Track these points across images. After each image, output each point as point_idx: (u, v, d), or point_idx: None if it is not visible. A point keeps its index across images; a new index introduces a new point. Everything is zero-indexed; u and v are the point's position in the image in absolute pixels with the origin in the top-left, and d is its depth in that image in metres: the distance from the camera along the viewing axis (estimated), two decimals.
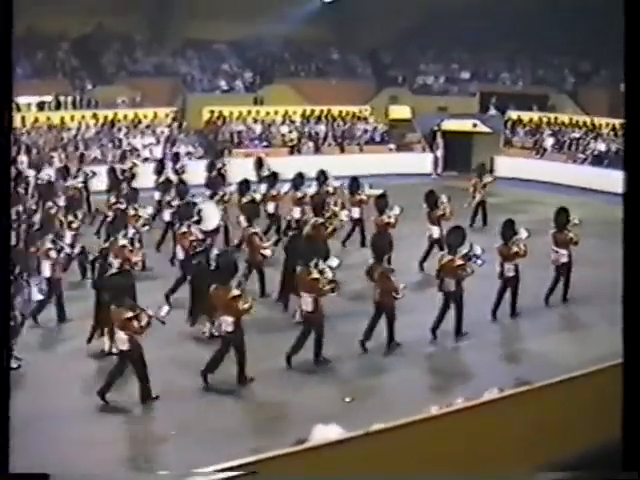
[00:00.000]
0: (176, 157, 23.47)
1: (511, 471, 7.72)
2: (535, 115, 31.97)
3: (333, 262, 12.26)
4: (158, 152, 27.21)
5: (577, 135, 30.02)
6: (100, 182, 21.07)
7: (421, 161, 30.43)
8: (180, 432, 10.12)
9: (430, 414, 7.94)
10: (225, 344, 11.36)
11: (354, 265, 14.32)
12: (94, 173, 21.30)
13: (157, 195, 19.63)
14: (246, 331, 11.54)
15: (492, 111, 32.51)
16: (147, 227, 16.65)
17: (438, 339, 13.20)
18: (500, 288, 14.16)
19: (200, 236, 14.87)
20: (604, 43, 27.96)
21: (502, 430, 7.91)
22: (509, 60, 35.10)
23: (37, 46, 29.60)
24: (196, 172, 21.72)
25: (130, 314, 10.55)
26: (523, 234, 14.25)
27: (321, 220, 16.09)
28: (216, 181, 19.65)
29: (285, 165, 21.16)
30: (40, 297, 14.76)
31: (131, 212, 16.72)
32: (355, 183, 18.97)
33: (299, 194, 18.68)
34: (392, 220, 16.57)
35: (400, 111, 32.92)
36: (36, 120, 27.45)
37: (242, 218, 16.38)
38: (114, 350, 12.32)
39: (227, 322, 11.20)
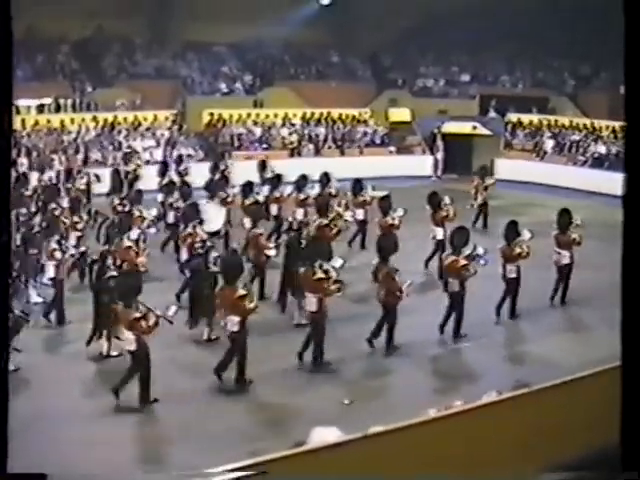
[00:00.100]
0: (179, 159, 23.45)
1: (511, 473, 7.72)
2: (535, 118, 31.97)
3: (337, 262, 12.31)
4: (158, 155, 27.22)
5: (577, 137, 30.01)
6: (99, 185, 21.11)
7: (421, 164, 30.41)
8: (180, 434, 10.12)
9: (429, 417, 7.94)
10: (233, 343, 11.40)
11: (355, 267, 14.34)
12: (97, 177, 21.32)
13: (160, 197, 19.67)
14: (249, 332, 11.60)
15: (492, 114, 32.51)
16: (152, 229, 16.69)
17: (441, 340, 13.25)
18: (505, 289, 14.24)
19: (205, 237, 14.97)
20: (604, 45, 27.97)
21: (501, 432, 7.91)
22: (509, 63, 35.11)
23: (37, 49, 29.62)
24: (196, 175, 21.70)
25: (138, 314, 10.59)
26: (526, 235, 14.33)
27: (325, 221, 16.20)
28: (219, 183, 19.67)
29: (285, 168, 21.16)
30: (39, 299, 14.80)
31: (136, 214, 16.75)
32: (358, 185, 19.03)
33: (302, 196, 18.73)
34: (396, 221, 16.63)
35: (400, 114, 32.92)
36: (36, 123, 27.46)
37: (246, 220, 16.46)
38: (112, 352, 12.41)
39: (233, 322, 11.23)
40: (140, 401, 10.77)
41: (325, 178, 19.34)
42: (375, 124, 31.95)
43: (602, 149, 28.72)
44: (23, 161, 24.17)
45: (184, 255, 15.25)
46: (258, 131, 30.29)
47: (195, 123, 30.32)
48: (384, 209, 16.97)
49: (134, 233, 14.87)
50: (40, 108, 28.45)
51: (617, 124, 28.31)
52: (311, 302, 12.03)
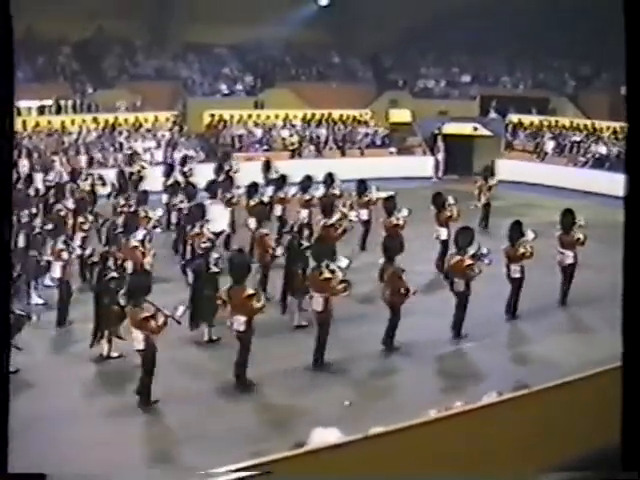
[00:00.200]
0: (184, 160, 23.42)
1: (512, 473, 7.72)
2: (536, 118, 32.01)
3: (343, 263, 12.36)
4: (159, 156, 27.24)
5: (578, 138, 30.03)
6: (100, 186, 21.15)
7: (422, 165, 30.41)
8: (181, 435, 10.13)
9: (429, 417, 7.93)
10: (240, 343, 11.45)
11: (356, 267, 14.33)
12: (102, 178, 21.35)
13: (165, 198, 19.70)
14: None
15: (493, 114, 32.53)
16: (158, 229, 16.75)
17: (446, 340, 13.30)
18: (511, 289, 14.34)
19: (212, 237, 15.10)
20: (604, 46, 27.98)
21: (502, 433, 7.91)
22: (509, 63, 35.14)
23: (37, 50, 29.63)
24: (197, 176, 21.70)
25: (147, 313, 10.63)
26: (530, 235, 14.40)
27: (331, 221, 16.32)
28: (224, 184, 19.74)
29: (286, 169, 21.16)
30: (40, 301, 14.82)
31: (141, 214, 16.79)
32: (362, 185, 19.08)
33: (307, 196, 18.79)
34: (401, 222, 16.68)
35: (401, 115, 32.92)
36: (37, 124, 27.48)
37: (251, 220, 16.65)
38: (113, 354, 12.42)
39: (239, 321, 11.28)
40: (140, 401, 10.78)
41: (329, 179, 19.39)
42: (376, 125, 31.96)
43: (603, 150, 28.73)
44: (24, 162, 24.19)
45: (189, 256, 15.36)
46: (259, 132, 30.30)
47: (196, 124, 30.35)
48: (389, 209, 17.02)
49: (140, 233, 14.89)
50: (41, 109, 28.49)
51: (618, 125, 28.36)
52: (317, 302, 12.11)
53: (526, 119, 32.03)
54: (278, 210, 18.86)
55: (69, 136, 27.45)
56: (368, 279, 14.16)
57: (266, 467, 6.56)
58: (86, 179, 21.01)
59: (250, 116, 31.05)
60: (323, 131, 31.03)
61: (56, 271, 14.16)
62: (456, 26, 30.97)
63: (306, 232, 15.86)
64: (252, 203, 17.66)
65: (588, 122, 30.77)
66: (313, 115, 31.70)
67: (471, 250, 13.38)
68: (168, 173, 21.04)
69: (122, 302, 12.30)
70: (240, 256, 12.31)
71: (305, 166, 23.52)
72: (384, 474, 7.28)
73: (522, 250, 14.20)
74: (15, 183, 18.71)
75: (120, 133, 28.30)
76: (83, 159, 25.95)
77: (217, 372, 11.95)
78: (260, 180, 19.89)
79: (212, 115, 30.41)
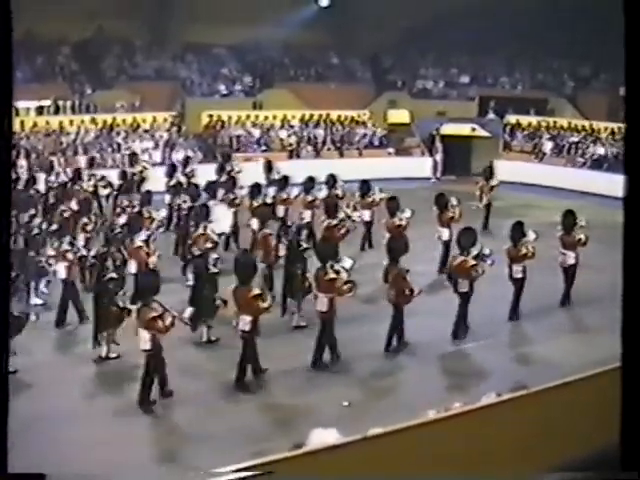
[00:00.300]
0: (186, 161, 23.40)
1: (512, 473, 7.72)
2: (534, 119, 32.00)
3: (347, 263, 12.41)
4: (157, 156, 27.22)
5: (576, 139, 30.03)
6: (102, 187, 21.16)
7: (420, 165, 30.38)
8: (180, 435, 10.13)
9: (428, 418, 7.94)
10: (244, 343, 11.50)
11: (357, 268, 14.36)
12: (105, 179, 21.37)
13: (168, 198, 19.71)
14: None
15: (491, 115, 32.51)
16: (162, 229, 16.78)
17: (445, 341, 13.32)
18: (514, 289, 14.39)
19: (216, 238, 15.20)
20: (603, 47, 27.97)
21: (502, 433, 7.92)
22: (508, 64, 35.13)
23: (36, 50, 29.62)
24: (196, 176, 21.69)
25: (155, 313, 10.67)
26: (531, 236, 14.44)
27: (334, 222, 16.43)
28: (226, 184, 19.79)
29: (284, 169, 21.15)
30: (39, 301, 14.82)
31: (145, 214, 16.82)
32: (365, 186, 19.08)
33: (310, 197, 18.83)
34: (403, 223, 16.69)
35: (399, 115, 32.90)
36: (35, 124, 27.44)
37: (253, 221, 16.76)
38: (111, 355, 12.42)
39: (245, 321, 11.32)
40: (139, 401, 10.78)
41: (332, 180, 19.41)
42: (374, 126, 31.93)
43: (601, 151, 28.74)
44: (22, 163, 24.16)
45: (189, 256, 15.40)
46: (257, 133, 30.27)
47: (194, 125, 30.31)
48: (392, 210, 17.02)
49: (144, 234, 14.89)
50: (39, 110, 28.43)
51: (616, 126, 28.37)
52: (322, 302, 12.16)
53: (524, 120, 32.01)
54: (281, 211, 18.86)
55: (67, 136, 27.41)
56: (370, 280, 14.18)
57: (267, 467, 6.57)
58: (89, 179, 21.03)
59: (248, 117, 31.02)
60: (321, 132, 30.99)
61: (61, 272, 14.17)
62: (455, 26, 30.96)
63: (304, 233, 15.83)
64: (255, 204, 17.79)
65: (586, 123, 30.77)
66: (311, 116, 31.67)
67: (474, 251, 13.42)
68: (171, 174, 21.03)
69: (121, 303, 12.37)
70: (246, 256, 12.37)
71: (303, 167, 23.52)
72: (384, 474, 7.29)
73: (524, 250, 14.25)
74: (13, 183, 18.71)
75: (118, 133, 28.27)
76: (82, 159, 25.88)
77: (216, 372, 11.97)
78: (260, 181, 19.86)
79: (210, 116, 30.38)
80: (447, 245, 16.80)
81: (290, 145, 29.95)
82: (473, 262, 13.28)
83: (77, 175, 21.20)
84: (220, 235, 16.63)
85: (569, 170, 28.73)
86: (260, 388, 11.52)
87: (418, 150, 31.33)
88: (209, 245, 14.73)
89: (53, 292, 14.97)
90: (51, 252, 14.98)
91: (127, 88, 30.84)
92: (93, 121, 28.55)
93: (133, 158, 24.07)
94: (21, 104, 27.36)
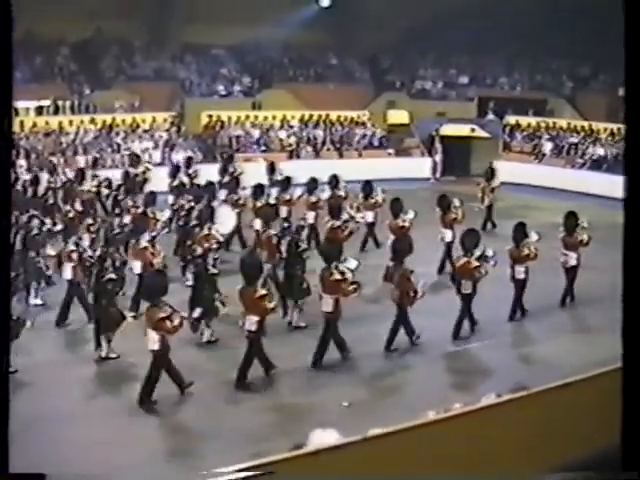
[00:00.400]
0: (188, 161, 23.39)
1: (512, 473, 7.72)
2: (533, 120, 32.00)
3: (352, 264, 12.48)
4: (157, 157, 27.21)
5: (575, 140, 30.05)
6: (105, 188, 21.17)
7: (419, 166, 30.41)
8: (180, 435, 10.13)
9: (428, 419, 7.94)
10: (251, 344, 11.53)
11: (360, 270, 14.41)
12: (108, 180, 21.39)
13: (171, 199, 19.72)
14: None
15: (490, 116, 32.53)
16: (166, 230, 16.81)
17: (447, 341, 13.36)
18: (515, 290, 14.44)
19: (221, 239, 15.25)
20: (602, 47, 27.99)
21: (502, 433, 7.92)
22: (507, 65, 35.14)
23: (36, 50, 29.61)
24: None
25: (164, 314, 10.68)
26: (533, 237, 14.50)
27: (338, 223, 16.51)
28: (229, 185, 19.81)
29: (284, 170, 21.17)
30: (39, 302, 14.82)
31: (149, 215, 16.86)
32: (368, 187, 19.09)
33: (313, 198, 18.86)
34: (407, 224, 16.70)
35: (398, 116, 32.91)
36: (34, 125, 27.44)
37: (256, 221, 16.88)
38: (111, 355, 12.42)
39: (252, 321, 11.36)
40: (140, 400, 10.78)
41: (334, 180, 19.44)
42: (373, 126, 31.94)
43: (600, 151, 28.75)
44: (22, 163, 24.15)
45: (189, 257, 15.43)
46: (256, 133, 30.28)
47: (193, 125, 30.31)
48: (395, 211, 17.03)
49: (148, 235, 14.92)
50: (39, 110, 28.43)
51: (615, 126, 28.37)
52: (327, 302, 12.21)
53: (524, 120, 32.03)
54: (284, 212, 18.85)
55: (66, 137, 27.41)
56: (371, 280, 14.21)
57: (268, 468, 6.57)
58: (92, 180, 21.05)
59: (248, 117, 31.02)
60: (321, 132, 31.01)
61: (67, 272, 14.17)
62: (455, 27, 30.97)
63: (303, 234, 15.83)
64: (258, 204, 17.89)
65: (585, 124, 30.79)
66: (311, 116, 31.67)
67: (477, 252, 13.48)
68: (174, 174, 21.04)
69: (118, 304, 12.40)
70: (252, 257, 12.40)
71: (303, 167, 23.53)
72: (385, 475, 7.29)
73: (526, 251, 14.30)
74: (12, 184, 18.72)
75: (117, 134, 28.26)
76: (81, 160, 25.90)
77: (217, 372, 11.97)
78: (261, 181, 19.85)
79: (210, 116, 30.38)
80: (449, 246, 16.87)
81: (290, 145, 29.95)
82: (477, 263, 13.36)
83: (81, 175, 21.22)
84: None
85: (568, 171, 28.75)
86: (262, 388, 11.51)
87: (417, 151, 31.37)
88: (214, 246, 14.77)
89: (52, 292, 14.99)
90: (51, 252, 15.01)
91: (126, 88, 30.84)
92: (92, 121, 28.55)
93: (135, 159, 24.09)
94: (20, 104, 27.35)
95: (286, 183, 19.45)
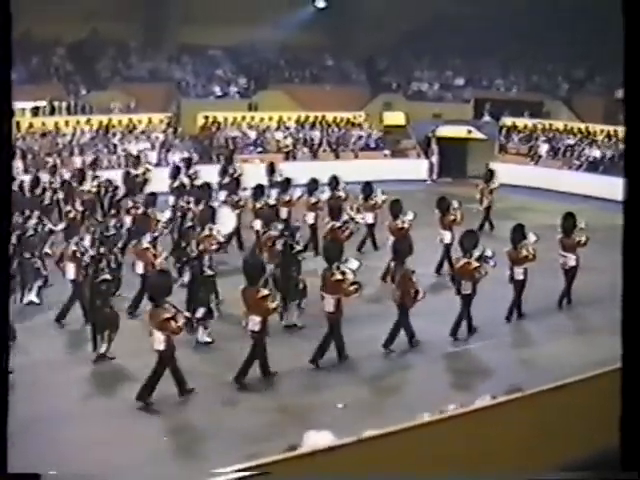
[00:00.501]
0: (188, 162, 23.36)
1: (512, 473, 7.73)
2: (530, 121, 32.01)
3: (353, 264, 12.54)
4: (153, 158, 27.18)
5: (572, 142, 30.05)
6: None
7: (416, 167, 30.41)
8: (177, 436, 10.12)
9: (429, 420, 7.95)
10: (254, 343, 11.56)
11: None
12: (109, 181, 21.39)
13: (172, 200, 19.71)
14: (242, 336, 11.64)
15: (486, 117, 32.54)
16: (166, 230, 16.84)
17: (446, 342, 13.40)
18: (514, 291, 14.49)
19: (222, 240, 15.26)
20: (599, 49, 28.04)
21: (502, 434, 7.93)
22: (503, 66, 35.18)
23: (32, 51, 29.57)
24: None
25: (168, 314, 10.72)
26: (532, 238, 14.54)
27: (338, 224, 16.60)
28: (229, 186, 19.81)
29: (283, 171, 21.20)
30: (37, 300, 14.84)
31: (151, 216, 16.84)
32: (368, 188, 19.10)
33: (313, 199, 18.89)
34: (406, 225, 16.74)
35: (394, 117, 32.92)
36: (31, 125, 27.41)
37: (256, 222, 16.98)
38: (108, 355, 12.42)
39: (255, 322, 11.40)
40: (138, 398, 10.79)
41: (334, 181, 19.46)
42: (370, 128, 31.94)
43: (596, 153, 28.76)
44: (18, 164, 24.12)
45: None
46: (253, 134, 30.26)
47: (190, 126, 30.29)
48: (395, 213, 17.05)
49: (150, 235, 14.93)
50: (35, 111, 28.40)
51: (612, 128, 28.40)
52: (329, 303, 12.27)
53: (520, 122, 32.06)
54: (284, 213, 18.87)
55: (63, 137, 27.39)
56: (369, 281, 14.24)
57: (264, 468, 6.57)
58: (93, 180, 21.04)
59: (244, 118, 31.00)
60: (317, 133, 30.99)
61: (70, 272, 14.18)
62: (450, 28, 31.01)
63: (299, 235, 15.82)
64: (258, 205, 17.97)
65: (582, 125, 30.80)
66: (307, 117, 31.66)
67: (476, 252, 13.53)
68: (174, 175, 21.04)
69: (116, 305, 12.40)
70: (254, 257, 12.42)
71: (299, 168, 23.53)
72: (382, 476, 7.29)
73: (525, 253, 14.34)
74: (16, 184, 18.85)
75: (114, 135, 28.24)
76: (77, 160, 25.87)
77: (214, 374, 11.97)
78: (258, 182, 19.85)
79: (206, 117, 30.36)
80: (448, 248, 16.91)
81: (286, 147, 29.92)
82: (477, 264, 13.42)
83: (80, 176, 21.22)
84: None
85: (564, 173, 28.76)
86: (261, 389, 11.52)
87: (414, 152, 31.35)
88: (214, 246, 14.80)
89: (50, 292, 14.99)
90: (48, 251, 15.01)
91: (122, 89, 30.86)
92: (89, 122, 28.52)
93: (135, 160, 24.07)
94: (17, 105, 27.27)
95: (286, 184, 19.48)
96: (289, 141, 30.17)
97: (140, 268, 14.40)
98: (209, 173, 21.62)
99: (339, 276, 12.21)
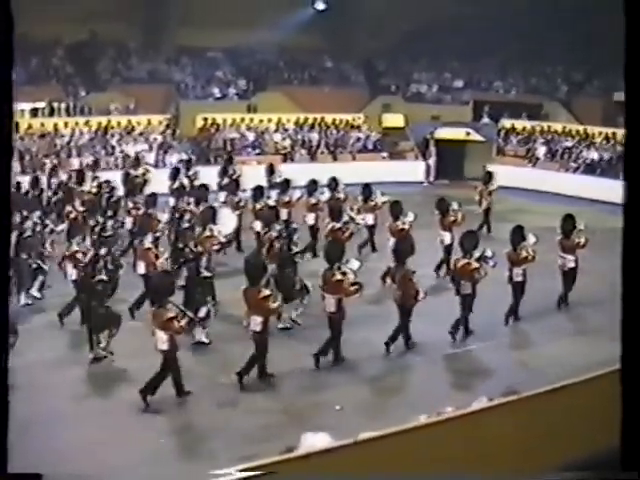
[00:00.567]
0: (188, 164, 23.35)
1: (512, 473, 7.75)
2: (528, 124, 32.03)
3: (354, 265, 12.57)
4: (151, 159, 27.18)
5: (570, 144, 30.05)
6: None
7: (414, 169, 30.42)
8: (176, 437, 10.13)
9: (429, 421, 7.96)
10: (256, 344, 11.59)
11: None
12: (109, 182, 21.40)
13: (172, 201, 19.73)
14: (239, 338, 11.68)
15: (485, 119, 32.57)
16: (167, 231, 16.88)
17: (446, 343, 13.43)
18: (512, 293, 14.51)
19: (223, 240, 15.23)
20: (597, 51, 28.08)
21: (501, 434, 7.95)
22: (502, 68, 35.22)
23: (31, 52, 29.53)
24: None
25: (171, 314, 10.76)
26: (531, 240, 14.55)
27: (338, 225, 16.65)
28: (229, 187, 19.83)
29: (282, 172, 21.25)
30: (38, 295, 14.87)
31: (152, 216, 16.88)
32: (367, 189, 19.15)
33: (313, 200, 18.92)
34: (406, 226, 16.76)
35: (393, 119, 32.94)
36: (29, 126, 27.41)
37: (257, 223, 17.02)
38: (105, 354, 12.43)
39: (256, 322, 11.43)
40: (141, 391, 10.82)
41: (334, 183, 19.50)
42: (368, 129, 31.94)
43: (595, 155, 28.78)
44: (15, 165, 24.11)
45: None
46: (251, 136, 30.25)
47: (188, 128, 30.31)
48: (395, 214, 17.07)
49: (151, 236, 14.94)
50: (34, 112, 28.40)
51: (610, 130, 28.42)
52: (330, 303, 12.31)
53: (519, 124, 32.07)
54: (283, 214, 18.86)
55: (61, 139, 27.38)
56: (369, 281, 14.25)
57: (262, 469, 6.58)
58: (93, 181, 21.05)
59: (243, 120, 30.99)
60: (315, 135, 31.00)
61: (72, 273, 14.20)
62: (452, 29, 31.03)
63: (297, 236, 15.84)
64: (258, 206, 18.02)
65: (580, 127, 30.79)
66: (306, 119, 31.66)
67: (476, 253, 13.56)
68: (174, 176, 21.07)
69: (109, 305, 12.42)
70: (256, 257, 12.44)
71: (297, 170, 23.54)
72: (378, 478, 7.31)
73: (524, 254, 14.35)
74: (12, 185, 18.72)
75: (112, 136, 28.24)
76: (75, 162, 25.87)
77: (211, 375, 11.98)
78: (258, 183, 19.86)
79: (205, 119, 30.35)
80: (448, 249, 16.93)
81: (284, 148, 29.92)
82: (476, 264, 13.45)
83: (80, 177, 21.23)
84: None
85: (562, 175, 28.78)
86: (261, 390, 11.54)
87: (412, 154, 31.38)
88: (215, 247, 14.83)
89: (49, 293, 15.00)
90: (49, 250, 15.04)
91: (121, 90, 30.87)
92: (87, 123, 28.52)
93: (134, 161, 24.06)
94: (16, 106, 27.29)
95: (285, 185, 19.51)
96: (287, 143, 30.18)
97: (142, 268, 14.45)
98: (207, 175, 21.65)
99: (340, 276, 12.24)
